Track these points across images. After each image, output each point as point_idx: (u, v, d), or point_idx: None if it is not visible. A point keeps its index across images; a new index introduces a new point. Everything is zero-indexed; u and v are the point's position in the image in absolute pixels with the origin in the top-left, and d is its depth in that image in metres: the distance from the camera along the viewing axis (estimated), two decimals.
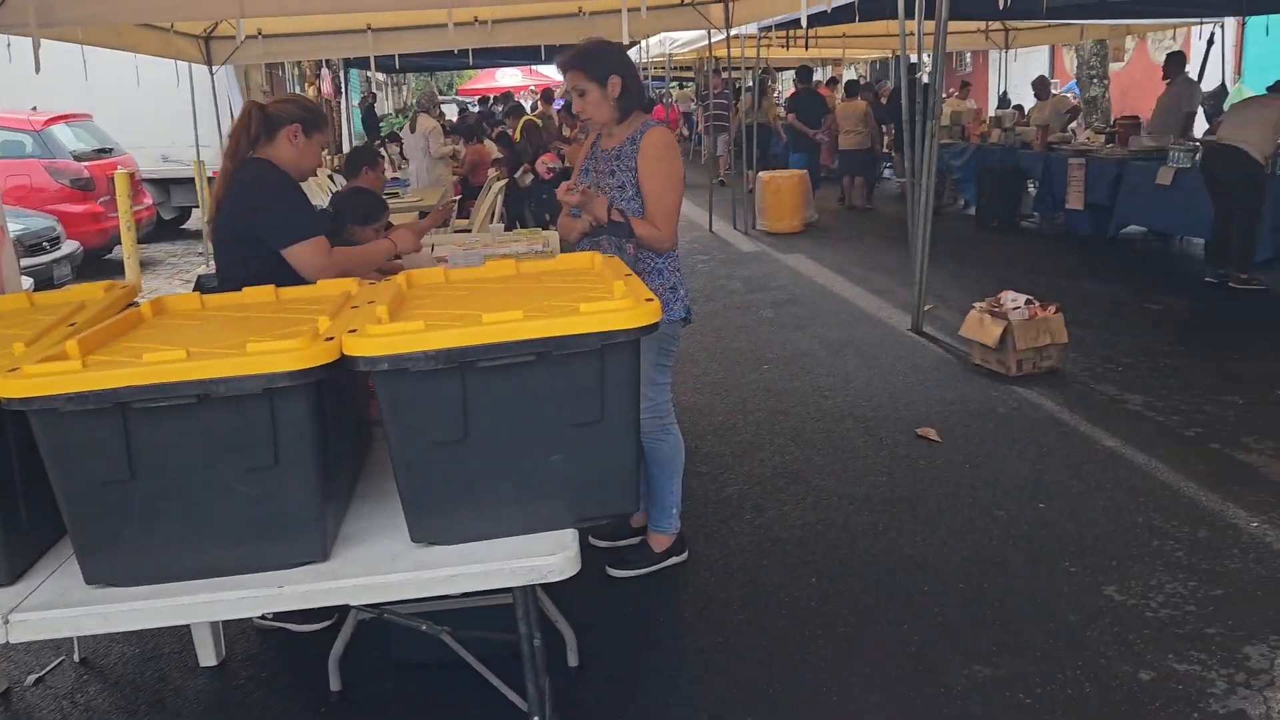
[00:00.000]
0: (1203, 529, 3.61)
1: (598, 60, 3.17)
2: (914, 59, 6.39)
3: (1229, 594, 3.18)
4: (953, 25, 14.09)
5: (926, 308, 7.03)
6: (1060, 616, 3.08)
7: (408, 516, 1.99)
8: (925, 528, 3.72)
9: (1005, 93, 15.84)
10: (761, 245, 10.54)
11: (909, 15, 6.28)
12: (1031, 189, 10.92)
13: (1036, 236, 10.53)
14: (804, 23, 6.64)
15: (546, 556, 1.94)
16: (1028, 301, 5.48)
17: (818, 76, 27.28)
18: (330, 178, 9.90)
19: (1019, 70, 23.06)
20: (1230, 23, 11.67)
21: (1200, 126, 10.51)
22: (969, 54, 27.08)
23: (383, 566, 1.94)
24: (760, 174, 11.45)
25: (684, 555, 3.54)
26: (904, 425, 4.83)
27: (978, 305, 5.71)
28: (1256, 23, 11.01)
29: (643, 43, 15.18)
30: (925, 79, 6.54)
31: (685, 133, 23.23)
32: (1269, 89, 7.79)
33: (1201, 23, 11.64)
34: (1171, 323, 6.61)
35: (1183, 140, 9.01)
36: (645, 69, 16.36)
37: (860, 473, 4.29)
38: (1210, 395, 5.07)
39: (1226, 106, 11.56)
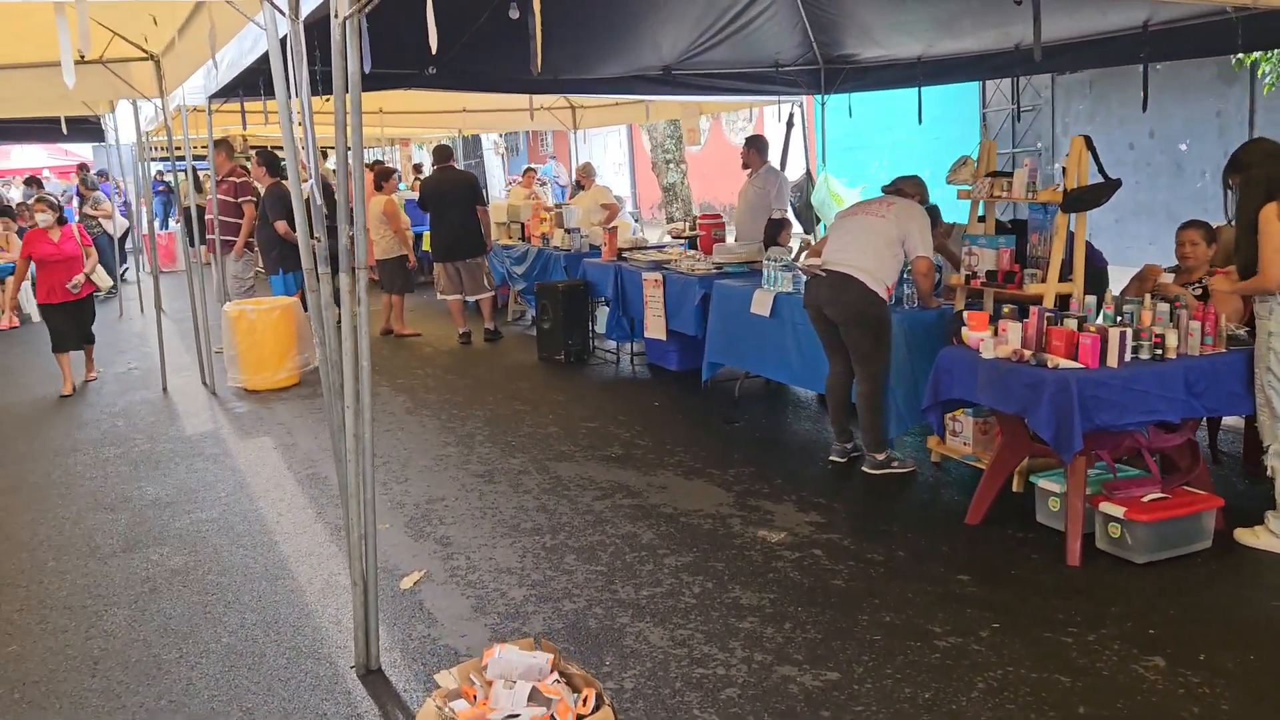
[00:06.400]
0: None
1: None
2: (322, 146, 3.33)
3: None
4: (504, 100, 11.57)
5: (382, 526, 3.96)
6: None
7: None
8: None
9: (578, 180, 13.58)
10: (221, 420, 6.99)
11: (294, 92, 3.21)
12: (606, 308, 8.36)
13: (612, 378, 7.93)
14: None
15: None
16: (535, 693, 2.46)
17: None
18: None
19: (598, 151, 21.50)
20: (808, 102, 10.01)
21: (795, 230, 8.51)
22: (550, 133, 25.34)
23: None
24: (226, 307, 7.90)
25: None
26: None
27: (439, 693, 2.62)
28: (838, 101, 9.36)
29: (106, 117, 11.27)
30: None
31: None
32: (884, 189, 5.64)
33: (779, 102, 9.84)
34: (826, 597, 3.99)
35: (780, 251, 6.75)
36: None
37: None
38: None
39: (816, 202, 9.82)
